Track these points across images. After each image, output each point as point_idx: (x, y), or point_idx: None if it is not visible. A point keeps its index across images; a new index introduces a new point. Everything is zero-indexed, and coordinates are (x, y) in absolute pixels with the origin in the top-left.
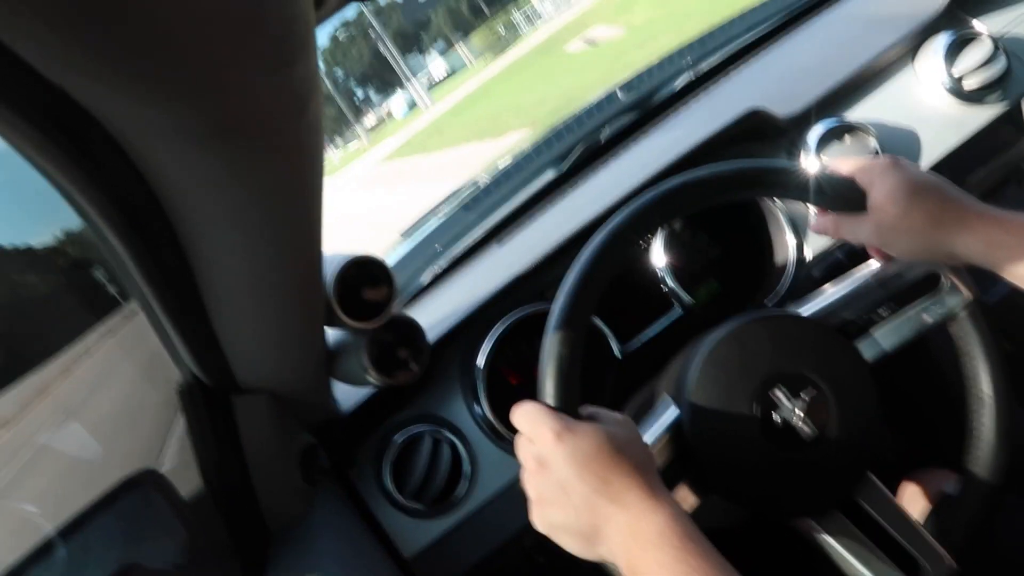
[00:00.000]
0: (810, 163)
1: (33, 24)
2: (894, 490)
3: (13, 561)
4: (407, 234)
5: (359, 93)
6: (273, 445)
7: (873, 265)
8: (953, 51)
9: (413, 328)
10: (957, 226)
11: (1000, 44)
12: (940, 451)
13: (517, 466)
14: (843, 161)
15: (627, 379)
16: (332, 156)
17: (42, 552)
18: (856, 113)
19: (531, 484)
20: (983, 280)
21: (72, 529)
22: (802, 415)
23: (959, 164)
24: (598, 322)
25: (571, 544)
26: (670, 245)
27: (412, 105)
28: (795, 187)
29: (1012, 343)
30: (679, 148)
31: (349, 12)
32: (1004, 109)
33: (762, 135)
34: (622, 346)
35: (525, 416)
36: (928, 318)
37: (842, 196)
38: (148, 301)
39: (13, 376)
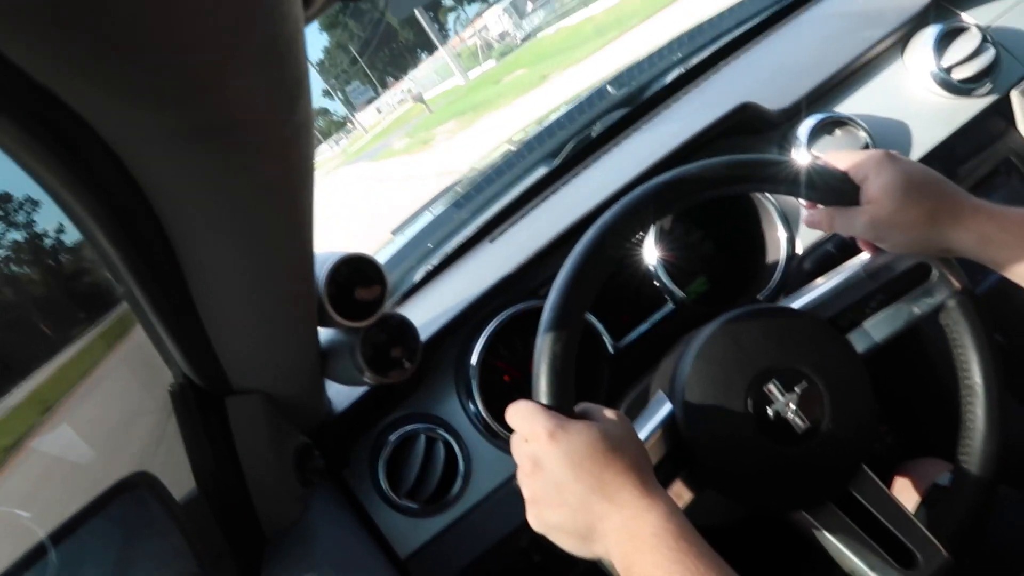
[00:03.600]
0: (801, 157)
1: (20, 26)
2: (887, 482)
3: (4, 566)
4: (398, 232)
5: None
6: (267, 446)
7: (863, 257)
8: (942, 43)
9: (406, 326)
10: (951, 221)
11: (989, 35)
12: (932, 442)
13: (512, 464)
14: (837, 155)
15: (620, 375)
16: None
17: (34, 556)
18: (846, 106)
19: (526, 484)
20: (973, 272)
21: (65, 533)
22: (795, 408)
23: (949, 156)
24: (591, 318)
25: (567, 543)
26: (662, 240)
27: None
28: (787, 181)
29: (1003, 335)
30: (671, 143)
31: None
32: (993, 100)
33: (753, 129)
34: (615, 342)
35: (519, 415)
36: (918, 309)
37: (835, 190)
38: (139, 302)
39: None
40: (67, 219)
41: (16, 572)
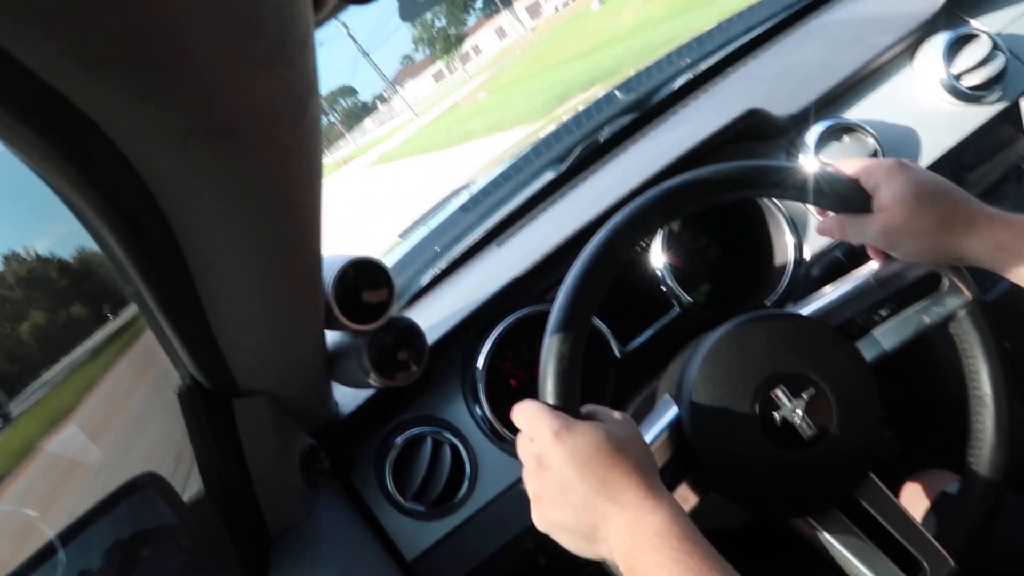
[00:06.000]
0: (809, 163)
1: (30, 28)
2: (895, 490)
3: (14, 566)
4: (406, 235)
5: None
6: (274, 448)
7: (873, 265)
8: (952, 50)
9: (413, 330)
10: (965, 229)
11: (998, 43)
12: (940, 451)
13: (518, 467)
14: (848, 162)
15: (627, 379)
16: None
17: (43, 555)
18: (855, 113)
19: (531, 483)
20: (982, 279)
21: (74, 532)
22: (802, 415)
23: (958, 163)
24: (598, 323)
25: (570, 543)
26: (669, 245)
27: None
28: (795, 187)
29: (1011, 341)
30: (679, 148)
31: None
32: (1003, 107)
33: (761, 135)
34: (622, 347)
35: (525, 415)
36: (929, 318)
37: (847, 197)
38: (146, 303)
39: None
40: (75, 218)
41: (26, 571)
